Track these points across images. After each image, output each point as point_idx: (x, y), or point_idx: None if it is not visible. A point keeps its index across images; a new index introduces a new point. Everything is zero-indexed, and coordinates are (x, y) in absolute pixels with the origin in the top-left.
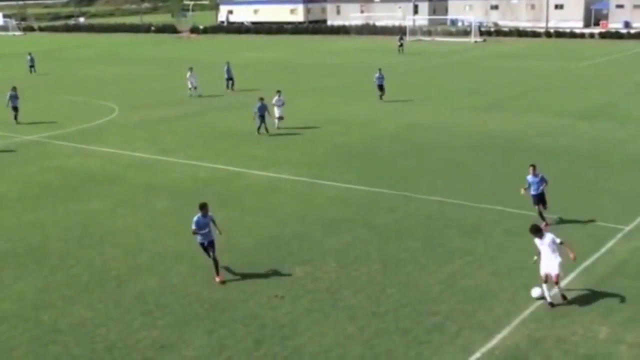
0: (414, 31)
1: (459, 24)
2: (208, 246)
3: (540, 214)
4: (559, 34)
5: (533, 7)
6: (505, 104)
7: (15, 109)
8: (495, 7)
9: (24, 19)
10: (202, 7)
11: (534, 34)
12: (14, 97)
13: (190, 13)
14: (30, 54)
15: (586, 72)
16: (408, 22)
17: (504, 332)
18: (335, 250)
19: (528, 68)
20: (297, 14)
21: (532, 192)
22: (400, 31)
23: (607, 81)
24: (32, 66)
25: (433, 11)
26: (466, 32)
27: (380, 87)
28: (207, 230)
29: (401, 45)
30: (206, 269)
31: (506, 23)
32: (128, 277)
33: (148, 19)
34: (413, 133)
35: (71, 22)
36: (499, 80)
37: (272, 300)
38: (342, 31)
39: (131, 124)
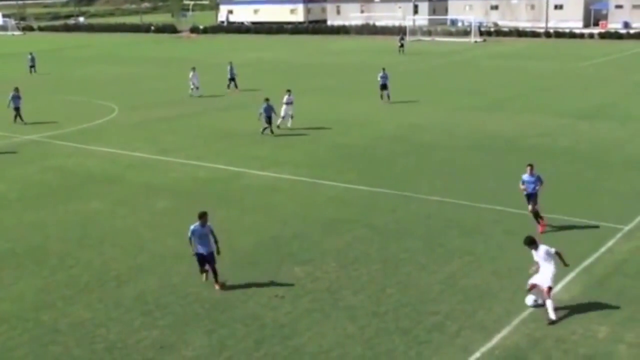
0: (414, 31)
1: (459, 24)
2: (208, 257)
3: (536, 215)
4: (559, 34)
5: (533, 7)
6: (505, 104)
7: (17, 109)
8: (495, 7)
9: (23, 18)
10: (202, 7)
11: (534, 34)
12: (16, 98)
13: (190, 13)
14: (31, 53)
15: (586, 72)
16: (408, 22)
17: (504, 332)
18: (335, 250)
19: (528, 68)
20: (297, 14)
21: (526, 191)
22: (400, 31)
23: (606, 81)
24: (32, 66)
25: (433, 11)
26: (466, 32)
27: (384, 87)
28: (205, 240)
29: (402, 45)
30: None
31: (506, 23)
32: (128, 277)
33: (148, 18)
34: (413, 133)
35: (71, 21)
36: (498, 80)
37: (272, 300)
38: (342, 31)
39: (131, 123)
